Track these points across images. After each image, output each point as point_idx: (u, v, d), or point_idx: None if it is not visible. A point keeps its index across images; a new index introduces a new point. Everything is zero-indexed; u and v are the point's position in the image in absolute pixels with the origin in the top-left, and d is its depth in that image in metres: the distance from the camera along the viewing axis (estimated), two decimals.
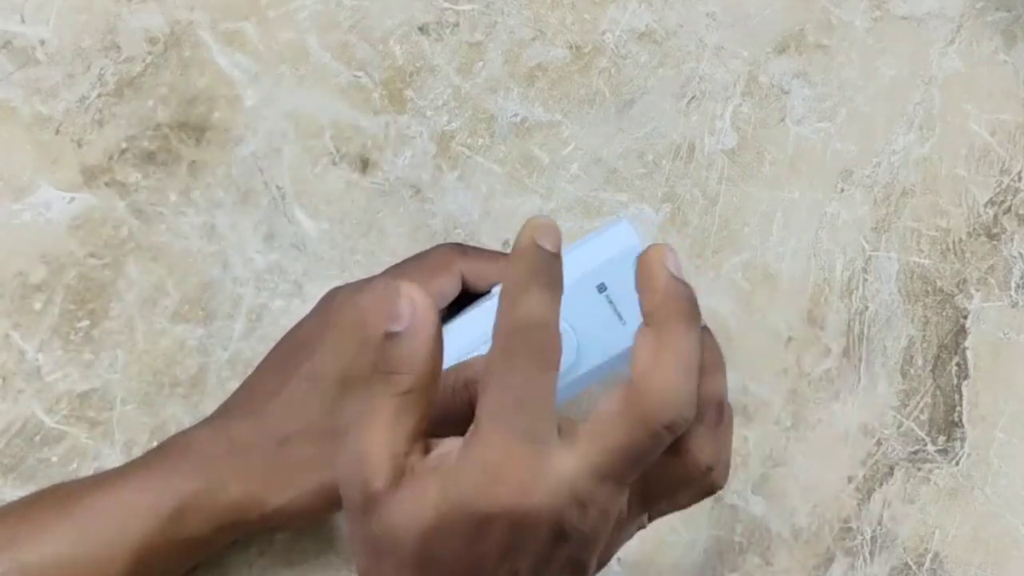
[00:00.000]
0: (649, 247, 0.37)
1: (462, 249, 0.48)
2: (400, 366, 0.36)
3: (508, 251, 0.48)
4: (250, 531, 0.47)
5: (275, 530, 0.47)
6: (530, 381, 0.35)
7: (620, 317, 0.45)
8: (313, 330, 0.47)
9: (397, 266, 0.48)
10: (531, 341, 0.35)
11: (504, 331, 0.35)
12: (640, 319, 0.36)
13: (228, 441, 0.46)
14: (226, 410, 0.48)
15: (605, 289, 0.45)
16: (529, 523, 0.35)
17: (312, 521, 0.47)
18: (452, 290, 0.47)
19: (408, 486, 0.35)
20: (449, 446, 0.36)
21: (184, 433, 0.47)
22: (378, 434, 0.36)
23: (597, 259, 0.45)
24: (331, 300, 0.48)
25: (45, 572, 0.44)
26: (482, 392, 0.35)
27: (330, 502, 0.45)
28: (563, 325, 0.44)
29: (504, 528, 0.35)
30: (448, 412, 0.41)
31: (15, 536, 0.44)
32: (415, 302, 0.36)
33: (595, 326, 0.45)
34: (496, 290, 0.47)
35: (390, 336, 0.36)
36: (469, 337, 0.45)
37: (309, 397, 0.45)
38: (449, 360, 0.40)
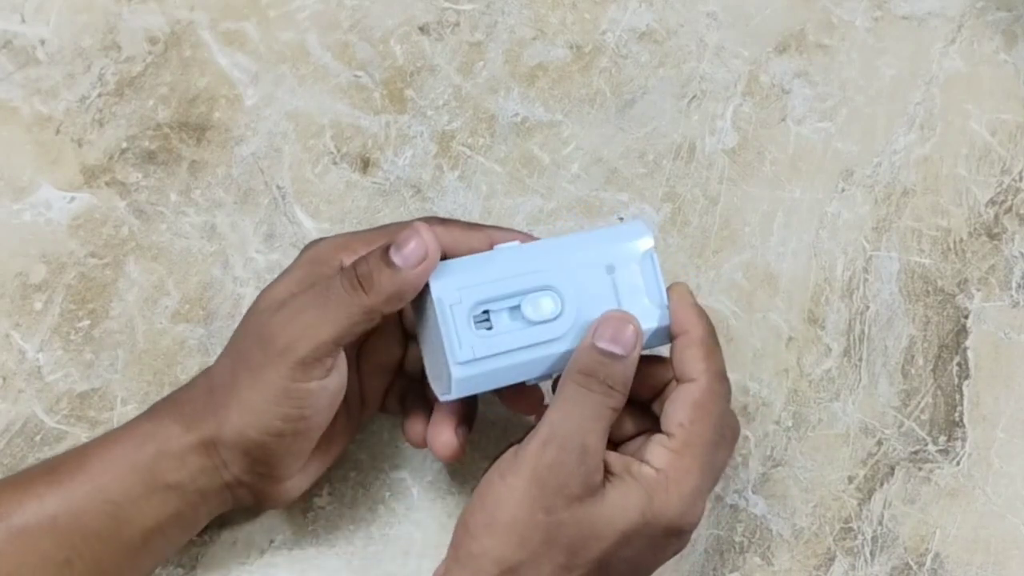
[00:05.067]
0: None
1: (440, 219, 0.49)
2: (619, 385, 0.44)
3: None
4: (226, 482, 0.47)
5: (257, 492, 0.46)
6: (729, 429, 0.47)
7: (619, 303, 0.46)
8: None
9: (372, 227, 0.49)
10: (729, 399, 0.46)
11: (716, 377, 0.46)
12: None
13: (193, 388, 0.47)
14: None
15: (613, 271, 0.46)
16: (689, 538, 0.46)
17: (274, 446, 0.45)
18: None
19: (618, 488, 0.44)
20: (642, 459, 0.45)
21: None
22: (600, 437, 0.44)
23: (613, 245, 0.47)
24: (301, 251, 0.49)
25: (27, 532, 0.44)
26: (690, 421, 0.45)
27: (268, 402, 0.44)
28: (566, 299, 0.46)
29: (682, 541, 0.46)
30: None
31: (0, 499, 0.45)
32: (639, 336, 0.45)
33: (595, 306, 0.46)
34: (500, 247, 0.47)
35: (616, 357, 0.44)
36: (469, 273, 0.46)
37: (239, 328, 0.47)
38: (449, 288, 0.45)
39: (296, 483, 0.48)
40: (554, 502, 0.43)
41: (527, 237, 0.49)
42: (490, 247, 0.48)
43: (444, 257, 0.47)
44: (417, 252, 0.44)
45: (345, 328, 0.44)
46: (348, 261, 0.47)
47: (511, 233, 0.49)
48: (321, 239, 0.49)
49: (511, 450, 0.45)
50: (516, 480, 0.44)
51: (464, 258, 0.47)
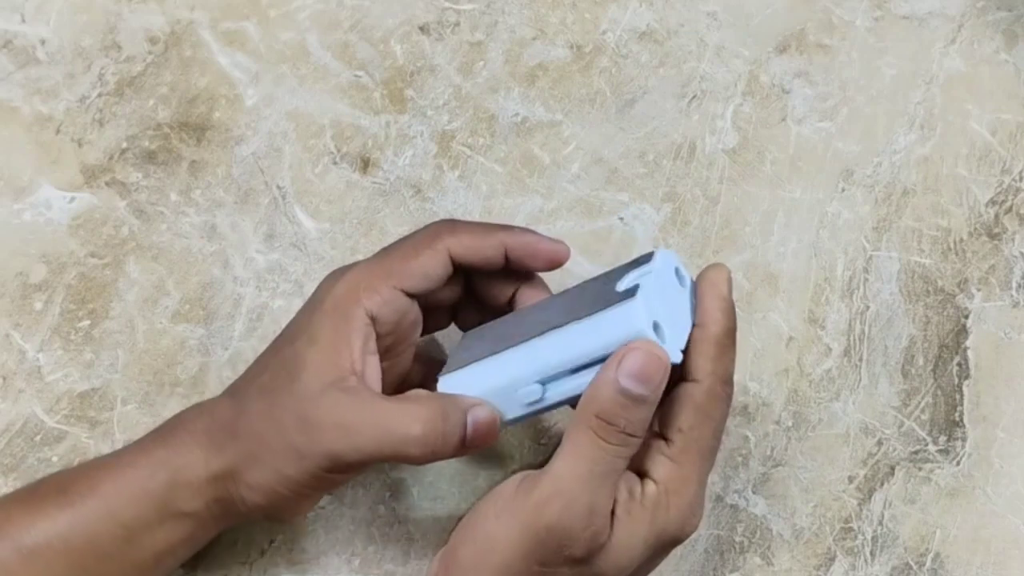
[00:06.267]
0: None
1: (451, 225, 0.47)
2: (639, 432, 0.42)
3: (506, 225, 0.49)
4: (240, 511, 0.46)
5: (269, 515, 0.47)
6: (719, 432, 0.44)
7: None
8: (300, 316, 0.47)
9: (385, 248, 0.48)
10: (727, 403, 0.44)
11: (717, 380, 0.44)
12: None
13: (211, 418, 0.46)
14: (222, 393, 0.48)
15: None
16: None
17: (295, 499, 0.46)
18: (436, 267, 0.47)
19: (624, 526, 0.42)
20: (646, 482, 0.43)
21: (177, 414, 0.48)
22: (611, 492, 0.42)
23: (612, 344, 0.42)
24: (319, 286, 0.48)
25: (39, 552, 0.44)
26: (689, 427, 0.43)
27: (301, 477, 0.44)
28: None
29: (677, 544, 0.44)
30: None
31: (10, 518, 0.44)
32: (667, 373, 0.42)
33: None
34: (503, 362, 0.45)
35: (638, 399, 0.41)
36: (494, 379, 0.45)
37: (272, 376, 0.46)
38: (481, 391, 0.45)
39: (306, 505, 0.48)
40: (553, 559, 0.41)
41: (539, 239, 0.47)
42: (503, 254, 0.47)
43: (455, 264, 0.47)
44: (485, 439, 0.44)
45: (387, 454, 0.44)
46: (371, 304, 0.45)
47: (523, 234, 0.48)
48: (337, 277, 0.47)
49: (510, 483, 0.43)
50: (512, 526, 0.42)
51: (473, 381, 0.46)
